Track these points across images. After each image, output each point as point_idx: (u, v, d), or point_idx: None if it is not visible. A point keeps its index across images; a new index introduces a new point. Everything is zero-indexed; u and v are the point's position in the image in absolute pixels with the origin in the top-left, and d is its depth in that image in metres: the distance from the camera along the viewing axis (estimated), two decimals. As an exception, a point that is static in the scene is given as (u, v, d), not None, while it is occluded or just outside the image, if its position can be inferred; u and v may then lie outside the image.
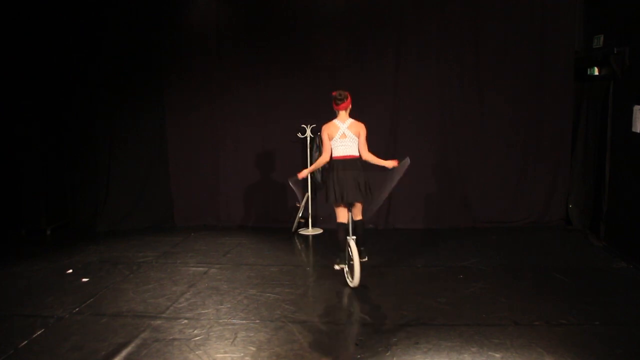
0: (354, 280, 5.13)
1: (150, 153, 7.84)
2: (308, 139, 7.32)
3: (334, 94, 5.20)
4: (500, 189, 7.43)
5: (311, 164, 7.26)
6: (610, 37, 6.40)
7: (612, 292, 5.13)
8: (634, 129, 5.86)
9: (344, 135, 5.13)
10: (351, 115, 5.27)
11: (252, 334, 4.33)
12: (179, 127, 7.79)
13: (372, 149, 7.88)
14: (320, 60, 7.43)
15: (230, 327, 4.48)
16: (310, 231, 7.45)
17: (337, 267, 5.38)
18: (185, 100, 7.73)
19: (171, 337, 4.29)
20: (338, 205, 5.21)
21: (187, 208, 7.93)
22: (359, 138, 5.18)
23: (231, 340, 4.23)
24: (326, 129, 5.18)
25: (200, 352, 4.05)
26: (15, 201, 7.52)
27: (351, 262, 5.16)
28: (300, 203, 7.37)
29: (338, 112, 5.21)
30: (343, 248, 5.24)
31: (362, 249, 5.23)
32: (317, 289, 5.38)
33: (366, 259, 5.30)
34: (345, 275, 5.40)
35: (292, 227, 7.46)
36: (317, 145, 7.20)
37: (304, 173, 5.50)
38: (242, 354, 4.01)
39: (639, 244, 5.71)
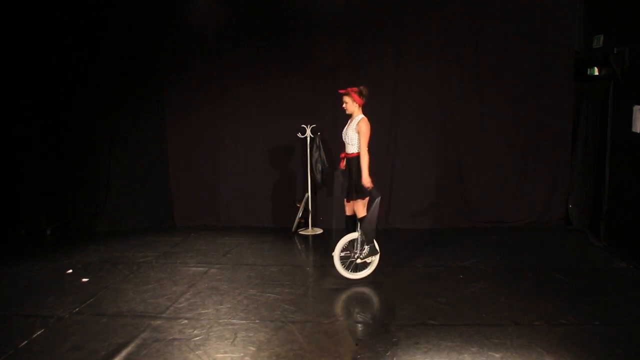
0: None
1: (150, 153, 7.83)
2: (308, 138, 7.32)
3: (358, 89, 5.28)
4: (500, 189, 7.43)
5: (310, 164, 7.26)
6: (610, 37, 6.41)
7: (612, 292, 5.13)
8: (633, 129, 5.86)
9: None
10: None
11: (252, 334, 4.34)
12: (179, 127, 7.79)
13: (372, 148, 7.90)
14: (320, 60, 7.43)
15: (230, 327, 4.48)
16: (310, 231, 7.45)
17: (369, 259, 5.38)
18: (185, 100, 7.72)
19: (171, 337, 4.30)
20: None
21: (187, 208, 7.92)
22: None
23: (231, 340, 4.23)
24: (369, 126, 5.19)
25: (200, 352, 4.06)
26: (15, 201, 7.52)
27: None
28: (300, 203, 7.37)
29: (360, 107, 5.30)
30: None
31: None
32: (317, 289, 5.39)
33: None
34: (341, 267, 5.43)
35: (292, 227, 7.46)
36: (317, 145, 7.16)
37: (369, 178, 5.18)
38: (242, 354, 4.02)
39: (639, 244, 5.71)
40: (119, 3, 7.54)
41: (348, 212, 5.47)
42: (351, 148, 5.27)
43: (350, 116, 5.39)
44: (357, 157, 5.19)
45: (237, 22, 7.57)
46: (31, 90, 7.41)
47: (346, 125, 5.40)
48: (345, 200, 5.42)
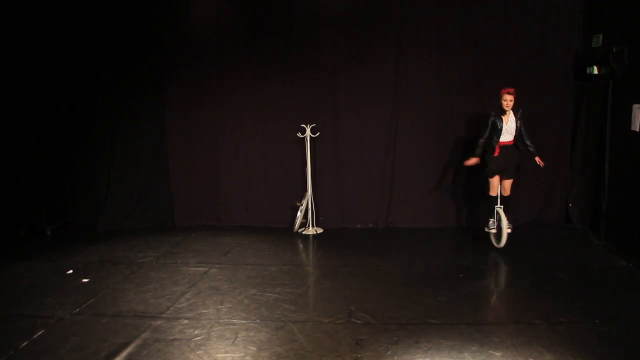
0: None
1: (150, 153, 7.82)
2: (308, 138, 7.31)
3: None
4: (500, 187, 7.43)
5: (308, 162, 7.26)
6: (610, 36, 6.41)
7: (612, 290, 5.13)
8: (633, 128, 5.87)
9: None
10: None
11: (252, 334, 4.34)
12: (179, 127, 7.78)
13: (372, 148, 7.85)
14: (320, 60, 7.43)
15: (230, 327, 4.48)
16: (310, 231, 7.44)
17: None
18: (185, 100, 7.72)
19: (172, 337, 4.30)
20: None
21: (187, 208, 7.92)
22: None
23: (232, 340, 4.24)
24: None
25: (200, 352, 4.06)
26: (15, 201, 7.52)
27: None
28: (301, 202, 7.36)
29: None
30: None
31: None
32: (318, 289, 5.39)
33: None
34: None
35: (293, 226, 7.45)
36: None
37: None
38: (242, 354, 4.02)
39: (639, 242, 5.72)
40: (120, 3, 7.53)
41: (494, 193, 6.25)
42: (510, 137, 6.13)
43: (504, 112, 6.14)
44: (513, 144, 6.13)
45: (237, 22, 7.57)
46: (31, 90, 7.41)
47: (504, 119, 6.15)
48: (500, 179, 6.21)
